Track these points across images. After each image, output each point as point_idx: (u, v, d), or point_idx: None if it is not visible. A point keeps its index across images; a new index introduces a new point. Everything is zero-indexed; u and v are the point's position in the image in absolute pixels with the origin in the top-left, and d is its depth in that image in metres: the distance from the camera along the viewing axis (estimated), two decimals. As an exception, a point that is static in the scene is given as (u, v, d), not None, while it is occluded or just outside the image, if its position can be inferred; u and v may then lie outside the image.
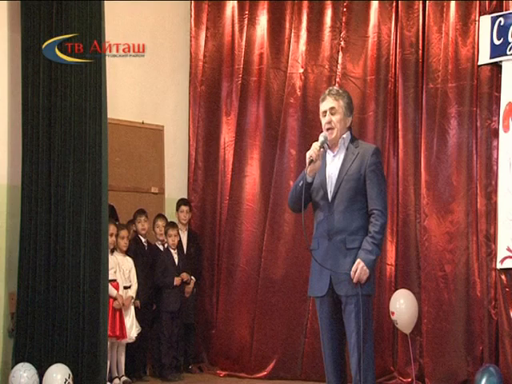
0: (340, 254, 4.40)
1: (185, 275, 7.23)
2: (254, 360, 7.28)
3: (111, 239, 6.63)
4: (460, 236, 6.60)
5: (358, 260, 4.33)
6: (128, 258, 6.90)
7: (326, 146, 4.50)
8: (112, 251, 6.71)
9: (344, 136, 4.53)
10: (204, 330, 7.68)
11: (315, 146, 4.42)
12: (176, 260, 7.27)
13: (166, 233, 7.27)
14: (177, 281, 7.15)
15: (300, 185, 4.46)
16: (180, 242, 7.41)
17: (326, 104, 4.52)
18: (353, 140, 4.57)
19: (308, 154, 4.41)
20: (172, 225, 7.35)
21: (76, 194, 6.30)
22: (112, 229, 6.64)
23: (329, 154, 4.56)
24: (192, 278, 7.39)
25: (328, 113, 4.50)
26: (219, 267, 7.65)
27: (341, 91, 4.57)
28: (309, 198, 4.53)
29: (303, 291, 7.09)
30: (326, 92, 4.56)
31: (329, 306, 4.47)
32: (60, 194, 6.34)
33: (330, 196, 4.46)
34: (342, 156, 4.51)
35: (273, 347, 7.23)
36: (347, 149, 4.52)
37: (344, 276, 4.35)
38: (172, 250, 7.28)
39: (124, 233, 6.86)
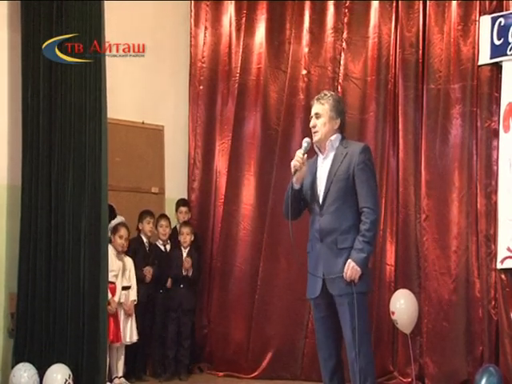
0: (332, 255, 4.46)
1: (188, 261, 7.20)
2: (253, 360, 7.28)
3: (120, 241, 6.67)
4: (460, 236, 6.60)
5: (349, 260, 4.39)
6: (128, 257, 6.90)
7: (315, 148, 4.63)
8: (120, 253, 6.73)
9: (332, 138, 4.61)
10: (200, 330, 7.67)
11: (299, 154, 4.54)
12: (187, 265, 7.24)
13: (179, 231, 7.31)
14: (186, 262, 7.14)
15: (289, 194, 4.54)
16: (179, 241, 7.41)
17: (313, 109, 4.67)
18: (342, 141, 4.64)
19: (292, 164, 4.52)
20: (185, 224, 7.38)
21: (76, 194, 6.30)
22: (123, 232, 6.67)
23: (320, 158, 4.66)
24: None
25: (313, 117, 4.63)
26: (215, 267, 7.63)
27: (328, 95, 4.68)
28: (302, 203, 4.63)
29: (304, 291, 7.10)
30: (316, 97, 4.71)
31: (323, 307, 4.52)
32: (60, 194, 6.34)
33: (320, 198, 4.53)
34: (331, 158, 4.59)
35: (273, 347, 7.23)
36: (336, 150, 4.59)
37: (337, 278, 4.40)
38: (183, 249, 7.29)
39: (123, 232, 6.83)
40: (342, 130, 4.67)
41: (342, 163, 4.51)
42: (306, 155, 4.54)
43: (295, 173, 4.51)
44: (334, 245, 4.45)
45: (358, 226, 4.45)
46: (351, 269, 4.36)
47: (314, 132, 4.62)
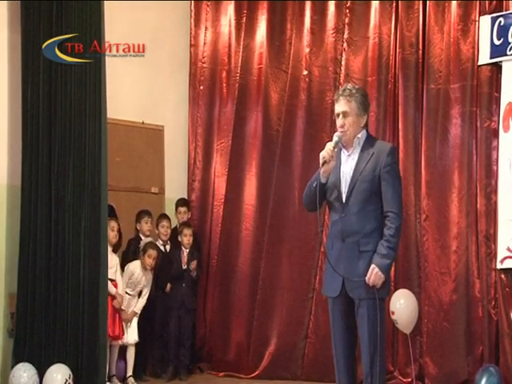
0: (353, 257, 4.36)
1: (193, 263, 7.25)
2: (253, 360, 7.28)
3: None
4: (460, 236, 6.60)
5: (373, 265, 4.29)
6: (149, 274, 6.94)
7: (340, 145, 4.47)
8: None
9: (359, 136, 4.47)
10: (200, 330, 7.67)
11: (329, 146, 4.37)
12: (185, 259, 7.28)
13: (181, 232, 7.33)
14: (192, 264, 7.20)
15: (314, 185, 4.42)
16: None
17: (339, 107, 4.47)
18: (368, 139, 4.51)
19: (321, 155, 4.36)
20: (187, 225, 7.39)
21: (76, 194, 6.29)
22: (152, 252, 6.84)
23: (343, 154, 4.51)
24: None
25: (341, 116, 4.46)
26: (215, 267, 7.64)
27: (354, 91, 4.47)
28: (323, 196, 4.49)
29: (305, 291, 7.11)
30: (341, 92, 4.49)
31: (341, 306, 4.44)
32: (60, 194, 6.33)
33: (344, 197, 4.41)
34: (356, 155, 4.46)
35: (273, 347, 7.22)
36: (362, 148, 4.46)
37: (358, 282, 4.33)
38: (184, 249, 7.30)
39: (153, 252, 6.90)
40: (367, 125, 4.56)
41: (368, 163, 4.39)
42: (335, 149, 4.39)
43: (323, 164, 4.35)
44: (356, 246, 4.35)
45: (380, 230, 4.35)
46: (375, 275, 4.27)
47: (342, 131, 4.44)
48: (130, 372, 6.81)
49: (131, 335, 6.79)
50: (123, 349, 6.83)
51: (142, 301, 6.89)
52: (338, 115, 4.47)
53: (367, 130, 4.57)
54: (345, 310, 4.44)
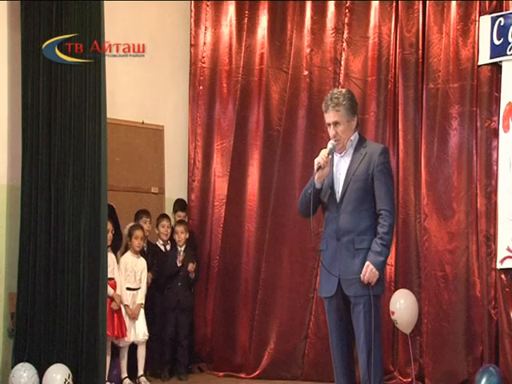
0: (349, 255, 4.43)
1: (190, 265, 7.25)
2: (253, 360, 7.27)
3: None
4: (460, 236, 6.60)
5: (367, 263, 4.36)
6: (142, 259, 6.93)
7: (334, 152, 4.54)
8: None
9: (351, 138, 4.56)
10: (200, 330, 7.68)
11: (323, 153, 4.45)
12: (181, 257, 7.26)
13: (173, 230, 7.33)
14: (191, 267, 7.19)
15: (309, 192, 4.48)
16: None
17: (329, 117, 4.54)
18: (361, 140, 4.60)
19: (316, 161, 4.44)
20: (180, 222, 7.40)
21: (76, 193, 6.30)
22: (138, 232, 6.83)
23: (336, 155, 4.59)
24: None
25: (332, 126, 4.53)
26: (216, 267, 7.64)
27: (340, 99, 4.52)
28: (318, 201, 4.56)
29: (306, 291, 7.10)
30: (329, 102, 4.53)
31: (337, 306, 4.49)
32: (60, 194, 6.34)
33: (338, 197, 4.49)
34: (349, 156, 4.54)
35: (273, 347, 7.22)
36: (355, 149, 4.55)
37: (353, 279, 4.38)
38: (179, 247, 7.30)
39: (139, 233, 6.88)
40: (358, 125, 4.61)
41: (361, 163, 4.48)
42: (330, 156, 4.47)
43: (318, 170, 4.43)
44: (350, 245, 4.42)
45: (374, 227, 4.43)
46: (369, 272, 4.34)
47: (336, 140, 4.51)
48: (141, 371, 6.81)
49: (140, 332, 6.78)
50: (119, 350, 6.80)
51: (143, 289, 6.86)
52: (329, 125, 4.55)
53: (359, 132, 4.63)
54: (341, 310, 4.49)
